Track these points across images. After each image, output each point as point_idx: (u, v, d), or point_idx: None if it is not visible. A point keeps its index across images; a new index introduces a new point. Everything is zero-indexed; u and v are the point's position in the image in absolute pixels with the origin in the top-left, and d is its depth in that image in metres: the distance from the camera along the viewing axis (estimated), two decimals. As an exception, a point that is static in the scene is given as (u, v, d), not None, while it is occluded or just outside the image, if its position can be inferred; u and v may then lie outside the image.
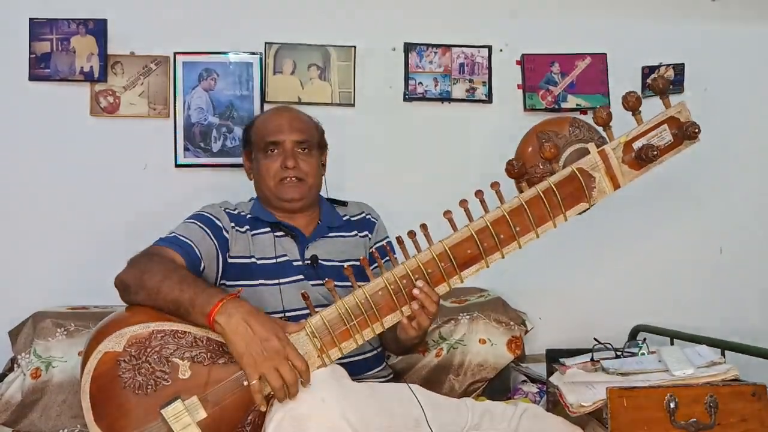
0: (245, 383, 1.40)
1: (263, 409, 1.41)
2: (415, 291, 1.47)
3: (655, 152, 1.48)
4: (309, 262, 1.76)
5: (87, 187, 2.24)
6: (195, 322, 1.45)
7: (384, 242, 1.91)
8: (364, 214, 1.93)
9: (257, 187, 1.86)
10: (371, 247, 1.89)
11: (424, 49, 2.38)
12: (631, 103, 1.49)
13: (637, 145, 1.50)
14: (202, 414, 1.40)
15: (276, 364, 1.38)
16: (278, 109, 1.92)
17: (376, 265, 1.54)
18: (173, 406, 1.38)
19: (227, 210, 1.80)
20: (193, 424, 1.38)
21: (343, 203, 1.94)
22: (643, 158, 1.49)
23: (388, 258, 1.54)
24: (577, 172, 1.50)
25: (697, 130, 1.49)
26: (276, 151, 1.79)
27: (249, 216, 1.81)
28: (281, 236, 1.79)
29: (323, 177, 1.90)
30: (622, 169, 1.51)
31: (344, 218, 1.89)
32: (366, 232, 1.89)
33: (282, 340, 1.41)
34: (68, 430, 1.90)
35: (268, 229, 1.79)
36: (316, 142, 1.86)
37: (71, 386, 1.91)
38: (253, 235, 1.78)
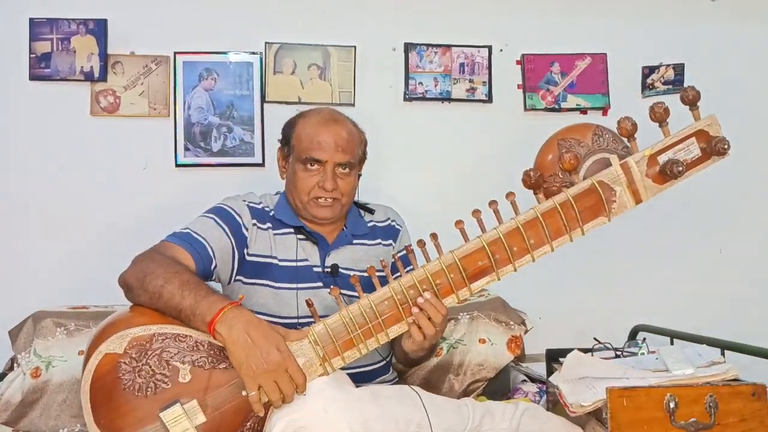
0: (244, 393, 1.40)
1: (261, 414, 1.41)
2: (420, 300, 1.44)
3: (681, 168, 1.41)
4: (329, 270, 1.73)
5: (87, 186, 2.24)
6: (196, 329, 1.44)
7: (403, 251, 1.85)
8: (389, 221, 1.90)
9: (288, 189, 1.80)
10: (394, 256, 1.86)
11: (424, 49, 2.38)
12: (658, 115, 1.42)
13: (662, 158, 1.44)
14: (201, 418, 1.40)
15: (275, 376, 1.37)
16: (327, 121, 1.77)
17: (396, 273, 1.50)
18: (172, 410, 1.38)
19: (251, 204, 1.76)
20: (192, 429, 1.38)
21: (371, 211, 1.89)
22: (667, 173, 1.42)
23: (399, 274, 1.50)
24: (597, 185, 1.44)
25: (726, 146, 1.42)
26: (316, 167, 1.73)
27: (273, 213, 1.78)
28: (303, 239, 1.76)
29: (357, 187, 1.83)
30: (645, 183, 1.45)
31: (369, 225, 1.86)
32: (390, 241, 1.87)
33: (283, 352, 1.39)
34: (68, 430, 1.89)
35: (291, 230, 1.76)
36: (358, 160, 1.80)
37: (71, 386, 1.91)
38: (275, 234, 1.75)
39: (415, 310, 1.45)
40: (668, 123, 1.44)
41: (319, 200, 1.73)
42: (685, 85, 2.40)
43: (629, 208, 1.46)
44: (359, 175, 1.85)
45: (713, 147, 1.44)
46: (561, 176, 1.47)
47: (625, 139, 1.46)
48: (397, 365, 2.03)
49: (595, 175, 1.45)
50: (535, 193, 1.48)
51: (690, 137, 1.45)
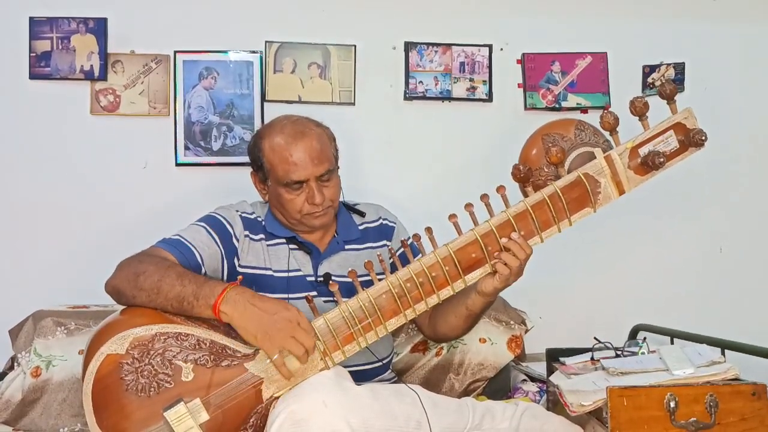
0: (267, 361, 1.41)
1: (288, 379, 1.43)
2: (503, 240, 1.47)
3: (662, 159, 1.47)
4: (322, 279, 1.72)
5: (87, 185, 2.24)
6: (200, 314, 1.45)
7: (400, 248, 1.83)
8: (381, 220, 1.87)
9: (275, 209, 1.77)
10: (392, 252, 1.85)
11: (424, 48, 2.37)
12: (639, 108, 1.47)
13: (643, 150, 1.50)
14: (205, 416, 1.41)
15: (291, 332, 1.41)
16: (294, 137, 1.70)
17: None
18: (176, 409, 1.39)
19: (243, 214, 1.76)
20: (196, 427, 1.39)
21: (362, 213, 1.86)
22: (649, 164, 1.48)
23: (396, 258, 1.52)
24: (582, 178, 1.49)
25: (703, 138, 1.48)
26: (300, 187, 1.69)
27: (264, 224, 1.77)
28: (295, 249, 1.76)
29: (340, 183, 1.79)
30: (628, 174, 1.50)
31: (361, 227, 1.84)
32: (384, 241, 1.84)
33: (291, 309, 1.44)
34: (68, 429, 1.89)
35: (283, 241, 1.75)
36: (335, 161, 1.76)
37: (71, 385, 1.91)
38: (268, 245, 1.74)
39: (504, 242, 1.47)
40: (648, 117, 1.49)
41: (314, 213, 1.71)
42: (686, 84, 2.44)
43: (613, 200, 1.52)
44: (337, 168, 1.80)
45: (691, 139, 1.50)
46: (546, 170, 1.52)
47: (607, 133, 1.52)
48: (395, 366, 2.03)
49: (581, 167, 1.50)
50: (524, 186, 1.53)
51: (668, 130, 1.51)
